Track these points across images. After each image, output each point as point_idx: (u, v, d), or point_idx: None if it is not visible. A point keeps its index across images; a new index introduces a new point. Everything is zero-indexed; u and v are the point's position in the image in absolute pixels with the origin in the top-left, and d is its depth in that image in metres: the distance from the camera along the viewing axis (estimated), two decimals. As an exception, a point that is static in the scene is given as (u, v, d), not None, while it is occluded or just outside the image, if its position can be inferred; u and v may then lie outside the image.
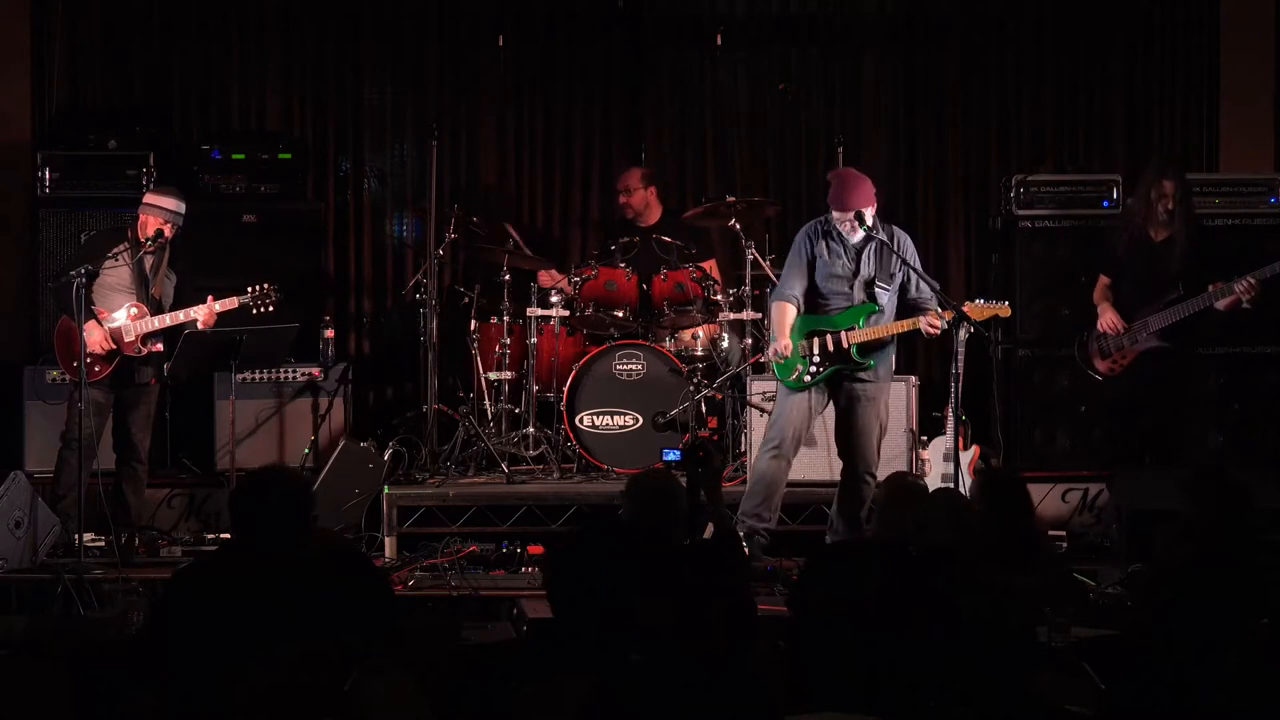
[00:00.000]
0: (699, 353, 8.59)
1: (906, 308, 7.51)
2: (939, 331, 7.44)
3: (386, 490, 8.14)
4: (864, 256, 7.46)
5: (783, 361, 7.45)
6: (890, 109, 10.07)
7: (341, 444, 8.43)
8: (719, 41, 9.84)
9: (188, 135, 9.58)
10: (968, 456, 7.94)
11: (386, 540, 8.05)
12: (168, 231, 7.85)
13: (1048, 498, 8.68)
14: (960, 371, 7.53)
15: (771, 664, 4.13)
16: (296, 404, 8.89)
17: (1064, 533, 8.20)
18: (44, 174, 8.98)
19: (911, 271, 7.48)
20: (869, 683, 3.87)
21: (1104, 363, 8.08)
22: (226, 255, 8.88)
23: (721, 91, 10.05)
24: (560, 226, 10.01)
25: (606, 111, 10.02)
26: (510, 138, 9.97)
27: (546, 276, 9.14)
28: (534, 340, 8.68)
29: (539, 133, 10.00)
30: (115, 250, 7.81)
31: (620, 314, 8.75)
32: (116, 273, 7.84)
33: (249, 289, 7.93)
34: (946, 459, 7.91)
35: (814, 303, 7.52)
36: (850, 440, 7.48)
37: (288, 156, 9.35)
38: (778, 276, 8.01)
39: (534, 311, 8.70)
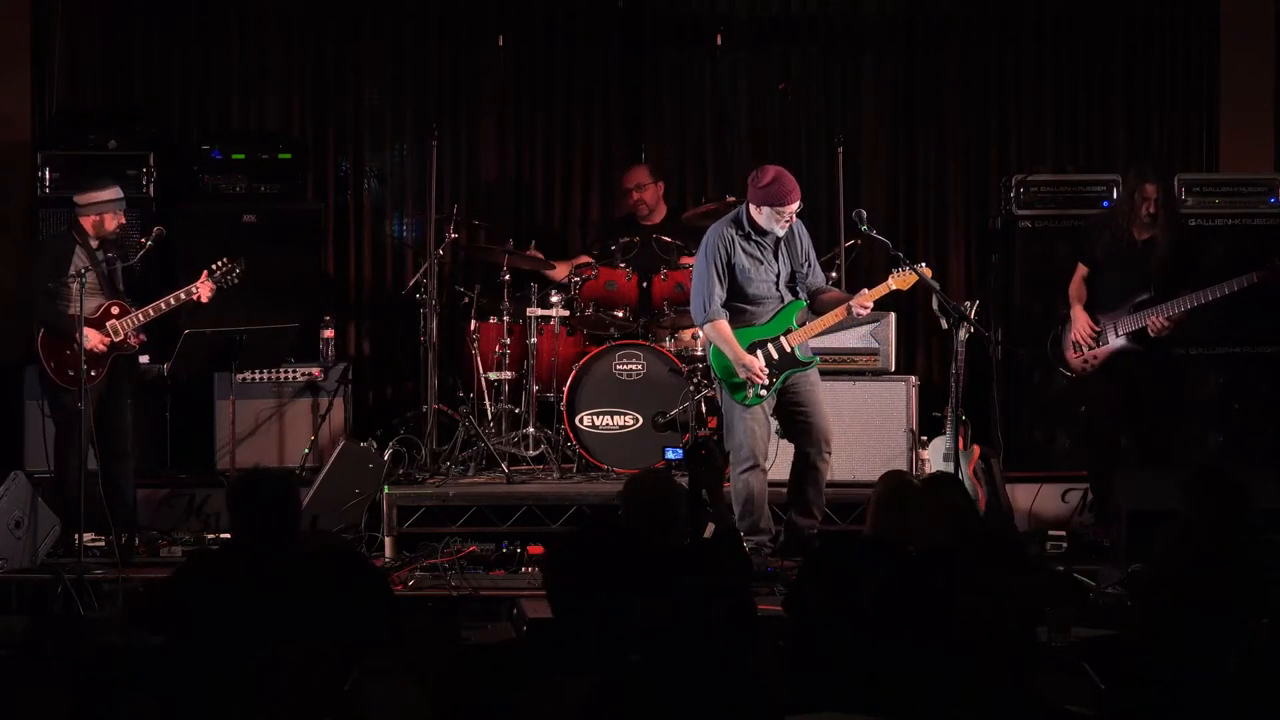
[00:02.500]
0: (699, 353, 8.58)
1: (808, 293, 7.51)
2: (869, 311, 7.43)
3: (386, 490, 8.13)
4: (780, 253, 7.44)
5: (739, 380, 7.32)
6: (890, 109, 10.07)
7: (341, 444, 8.42)
8: (719, 41, 9.84)
9: (188, 135, 9.58)
10: (968, 456, 7.94)
11: (386, 540, 8.05)
12: (122, 219, 7.89)
13: (1048, 498, 8.69)
14: (960, 371, 7.54)
15: (771, 664, 4.13)
16: (296, 404, 8.89)
17: (1064, 532, 8.20)
18: (44, 174, 8.98)
19: (811, 256, 7.50)
20: (869, 683, 3.87)
21: (1076, 358, 8.09)
22: (226, 255, 8.87)
23: (721, 91, 10.05)
24: (560, 226, 10.01)
25: (606, 111, 10.02)
26: (510, 138, 9.97)
27: (564, 267, 9.14)
28: (534, 340, 8.68)
29: (539, 133, 9.99)
30: (75, 255, 7.78)
31: (620, 314, 8.76)
32: (83, 275, 7.78)
33: (214, 265, 7.94)
34: (946, 459, 7.90)
35: (742, 314, 7.38)
36: (808, 425, 7.43)
37: (288, 156, 9.35)
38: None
39: (534, 311, 8.70)
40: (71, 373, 7.65)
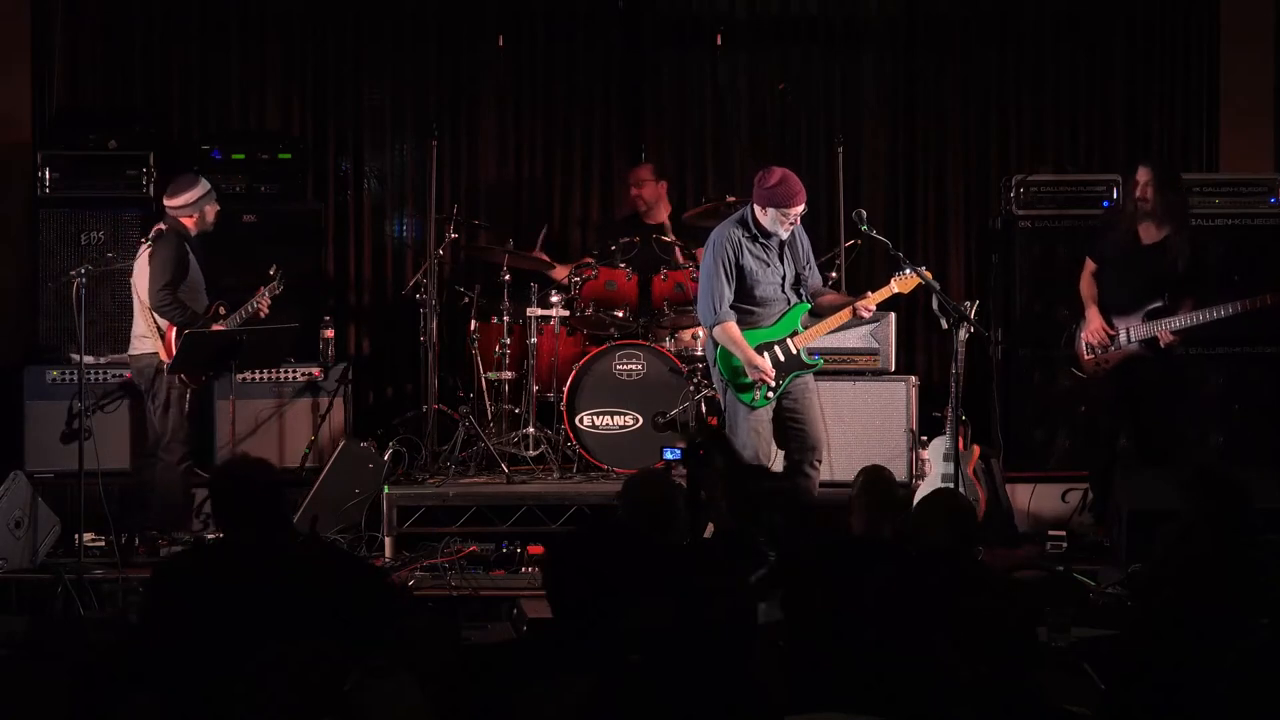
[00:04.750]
0: (699, 353, 8.58)
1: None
2: (872, 313, 7.44)
3: (386, 490, 8.14)
4: (785, 256, 7.45)
5: (747, 381, 7.33)
6: (890, 109, 10.07)
7: (342, 444, 8.44)
8: (719, 41, 9.85)
9: (188, 135, 9.57)
10: (967, 456, 7.95)
11: (386, 540, 8.05)
12: (217, 205, 8.16)
13: (1048, 498, 8.69)
14: (960, 371, 7.55)
15: (771, 664, 4.13)
16: (296, 404, 8.89)
17: (1064, 532, 8.20)
18: (44, 174, 8.98)
19: (811, 259, 7.53)
20: (869, 683, 3.87)
21: (1089, 359, 8.10)
22: (226, 255, 8.88)
23: (721, 91, 10.05)
24: (560, 226, 10.00)
25: (606, 111, 10.01)
26: (510, 138, 9.97)
27: (563, 267, 9.16)
28: (534, 340, 8.68)
29: (539, 133, 9.99)
30: (190, 257, 7.99)
31: (620, 314, 8.76)
32: (194, 277, 8.01)
33: (272, 271, 8.14)
34: (946, 459, 7.91)
35: (749, 316, 7.37)
36: (801, 433, 7.43)
37: (288, 156, 9.35)
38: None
39: (534, 311, 8.70)
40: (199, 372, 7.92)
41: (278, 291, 8.12)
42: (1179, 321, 7.83)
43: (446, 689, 3.89)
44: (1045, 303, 9.03)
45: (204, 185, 8.12)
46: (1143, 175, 7.94)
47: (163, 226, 8.04)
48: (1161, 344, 7.88)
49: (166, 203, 8.09)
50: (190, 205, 8.04)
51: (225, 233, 9.01)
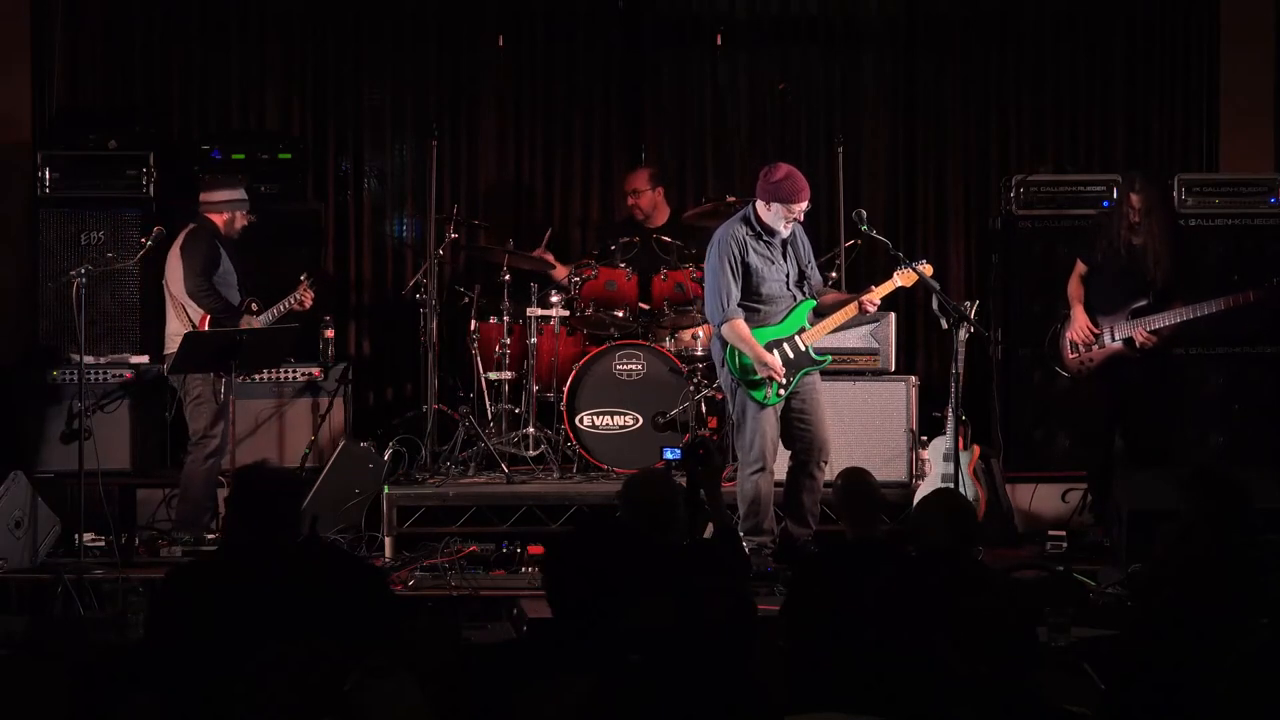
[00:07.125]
0: (699, 353, 8.59)
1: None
2: (877, 307, 7.44)
3: (386, 490, 8.14)
4: (788, 254, 7.45)
5: (757, 378, 7.33)
6: (890, 109, 10.07)
7: (341, 444, 8.44)
8: (719, 41, 9.85)
9: (188, 135, 9.58)
10: (967, 456, 7.95)
11: (386, 540, 8.05)
12: (250, 218, 8.26)
13: (1048, 498, 8.70)
14: (960, 371, 7.55)
15: (771, 664, 4.13)
16: (296, 404, 8.89)
17: (1064, 532, 8.21)
18: (44, 174, 8.98)
19: (811, 258, 7.54)
20: (869, 683, 3.87)
21: (1073, 358, 8.10)
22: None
23: (721, 91, 10.05)
24: (560, 226, 10.00)
25: (606, 111, 10.02)
26: (510, 138, 9.97)
27: (563, 267, 9.15)
28: (534, 340, 8.68)
29: (539, 133, 9.99)
30: (221, 251, 8.06)
31: (620, 314, 8.76)
32: (226, 270, 8.06)
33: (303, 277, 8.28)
34: (946, 459, 7.91)
35: (756, 314, 7.38)
36: (808, 433, 7.44)
37: (288, 156, 9.35)
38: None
39: (534, 311, 8.70)
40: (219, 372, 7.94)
41: (315, 283, 8.26)
42: (1159, 320, 7.84)
43: (446, 689, 3.89)
44: (1045, 303, 9.01)
45: (236, 192, 8.23)
46: (1136, 201, 7.93)
47: (162, 228, 8.08)
48: (1137, 342, 7.87)
49: (200, 197, 8.22)
50: (215, 204, 8.14)
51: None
